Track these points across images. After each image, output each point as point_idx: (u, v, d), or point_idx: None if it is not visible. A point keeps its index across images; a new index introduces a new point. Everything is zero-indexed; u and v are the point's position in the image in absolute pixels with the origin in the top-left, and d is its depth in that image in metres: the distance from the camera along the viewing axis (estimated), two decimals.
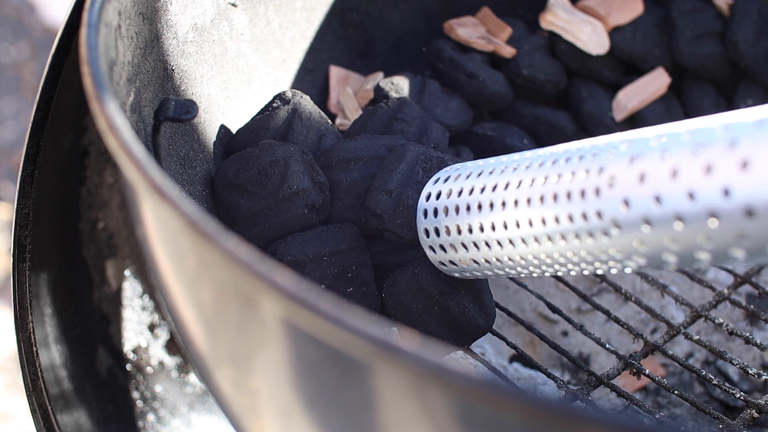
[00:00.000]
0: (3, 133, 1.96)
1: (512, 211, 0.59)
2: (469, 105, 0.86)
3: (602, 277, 0.78)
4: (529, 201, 0.58)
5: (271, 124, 0.76)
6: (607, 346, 0.71)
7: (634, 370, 0.70)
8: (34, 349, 0.75)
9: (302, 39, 0.87)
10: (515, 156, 0.62)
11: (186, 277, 0.51)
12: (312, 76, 0.87)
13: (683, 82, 0.91)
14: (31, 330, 0.75)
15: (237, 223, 0.72)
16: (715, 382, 0.68)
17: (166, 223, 0.49)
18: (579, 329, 0.73)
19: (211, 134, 0.76)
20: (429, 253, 0.67)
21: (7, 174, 1.86)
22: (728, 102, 0.91)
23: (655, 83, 0.88)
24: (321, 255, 0.69)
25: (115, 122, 0.47)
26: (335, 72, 0.88)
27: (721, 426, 0.66)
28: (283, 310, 0.42)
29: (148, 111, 0.63)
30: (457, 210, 0.64)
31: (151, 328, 0.89)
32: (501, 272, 0.64)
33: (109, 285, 0.86)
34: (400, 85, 0.83)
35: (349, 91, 0.85)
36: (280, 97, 0.78)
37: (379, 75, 0.87)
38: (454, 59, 0.86)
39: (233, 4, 0.79)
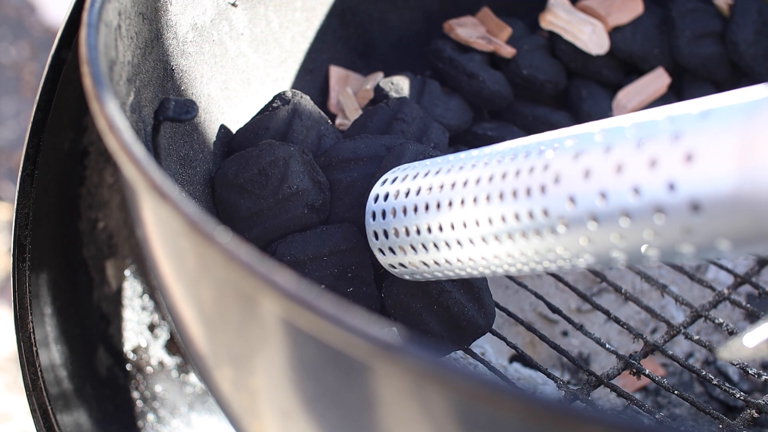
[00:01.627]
0: (3, 133, 1.96)
1: (459, 211, 0.58)
2: (469, 105, 0.86)
3: (602, 277, 0.78)
4: (475, 200, 0.57)
5: (271, 124, 0.76)
6: (607, 346, 0.71)
7: (634, 370, 0.70)
8: (34, 349, 0.75)
9: (302, 39, 0.87)
10: (462, 154, 0.61)
11: (186, 277, 0.51)
12: (312, 76, 0.87)
13: (683, 82, 0.91)
14: (31, 330, 0.75)
15: (237, 223, 0.72)
16: (715, 382, 0.68)
17: (166, 223, 0.49)
18: (579, 329, 0.73)
19: (211, 134, 0.76)
20: (379, 256, 0.66)
21: (7, 174, 1.86)
22: None
23: (655, 83, 0.88)
24: (321, 255, 0.69)
25: (115, 122, 0.47)
26: (335, 72, 0.88)
27: (721, 426, 0.66)
28: (283, 310, 0.42)
29: (148, 111, 0.63)
30: (404, 211, 0.62)
31: (151, 328, 0.89)
32: (451, 273, 0.62)
33: (109, 285, 0.86)
34: (400, 85, 0.83)
35: (349, 91, 0.85)
36: (280, 97, 0.78)
37: (379, 75, 0.87)
38: (454, 59, 0.86)
39: (233, 4, 0.79)
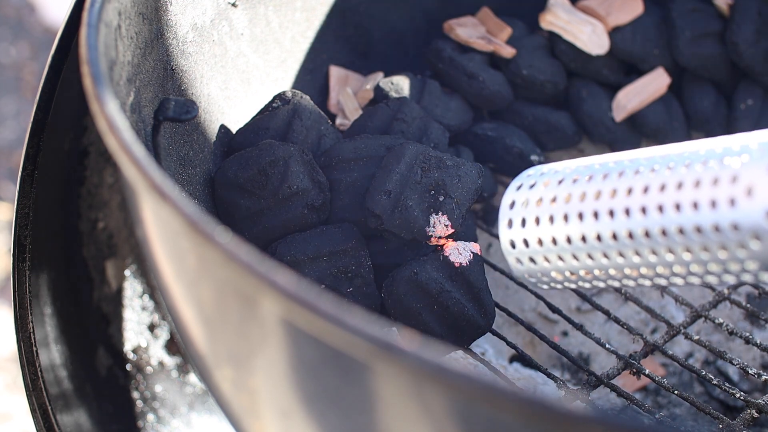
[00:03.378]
0: (3, 133, 1.96)
1: (624, 221, 0.54)
2: (469, 105, 0.86)
3: None
4: (644, 210, 0.54)
5: (271, 124, 0.76)
6: (607, 346, 0.71)
7: (634, 370, 0.70)
8: (34, 349, 0.75)
9: (302, 39, 0.87)
10: (614, 159, 0.57)
11: (186, 277, 0.51)
12: (312, 76, 0.87)
13: (683, 82, 0.91)
14: (31, 330, 0.75)
15: (237, 223, 0.72)
16: (715, 382, 0.68)
17: (166, 223, 0.49)
18: (579, 329, 0.72)
19: (211, 134, 0.76)
20: (514, 265, 0.62)
21: (7, 174, 1.86)
22: (728, 102, 0.91)
23: (655, 83, 0.88)
24: (321, 255, 0.69)
25: (115, 122, 0.47)
26: (335, 72, 0.88)
27: (721, 426, 0.66)
28: (283, 309, 0.42)
29: (148, 111, 0.63)
30: (551, 219, 0.58)
31: (151, 328, 0.89)
32: (615, 283, 0.59)
33: (109, 285, 0.86)
34: (400, 85, 0.83)
35: (349, 91, 0.85)
36: (280, 97, 0.78)
37: (379, 75, 0.87)
38: (454, 59, 0.86)
39: (233, 4, 0.79)
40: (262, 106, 0.79)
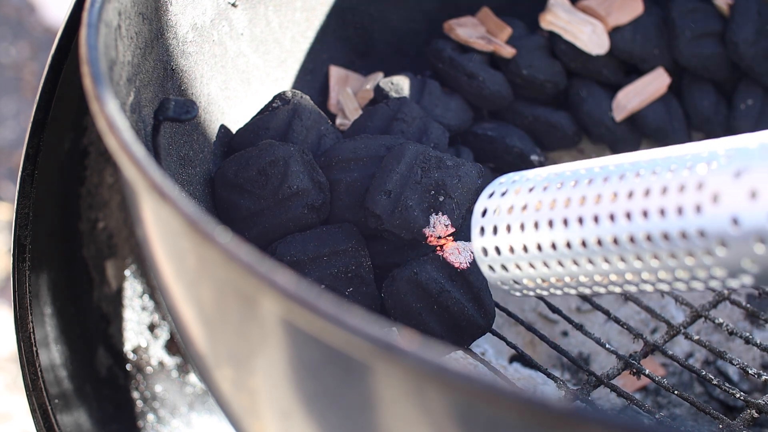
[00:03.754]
0: (3, 133, 1.96)
1: (593, 228, 0.55)
2: (469, 105, 0.86)
3: None
4: (612, 217, 0.54)
5: (271, 124, 0.76)
6: (607, 346, 0.71)
7: (634, 370, 0.70)
8: (34, 349, 0.75)
9: (302, 39, 0.87)
10: (585, 166, 0.58)
11: (186, 277, 0.51)
12: (312, 76, 0.87)
13: (683, 82, 0.91)
14: (31, 330, 0.75)
15: (237, 223, 0.72)
16: (715, 382, 0.68)
17: (166, 223, 0.49)
18: (579, 329, 0.72)
19: (211, 134, 0.76)
20: (487, 272, 0.63)
21: (7, 174, 1.86)
22: (728, 102, 0.91)
23: (655, 83, 0.88)
24: (321, 255, 0.69)
25: (115, 122, 0.47)
26: (335, 72, 0.88)
27: (721, 426, 0.66)
28: (283, 310, 0.42)
29: (148, 111, 0.63)
30: (522, 227, 0.59)
31: (151, 328, 0.89)
32: (587, 290, 0.59)
33: (109, 285, 0.86)
34: (400, 85, 0.83)
35: (349, 91, 0.85)
36: (280, 97, 0.78)
37: (379, 75, 0.87)
38: (454, 59, 0.86)
39: (233, 4, 0.79)
40: (262, 106, 0.79)
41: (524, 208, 0.59)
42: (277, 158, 0.71)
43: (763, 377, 0.69)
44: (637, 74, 0.90)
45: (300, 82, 0.86)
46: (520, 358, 0.87)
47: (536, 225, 0.58)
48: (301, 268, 0.69)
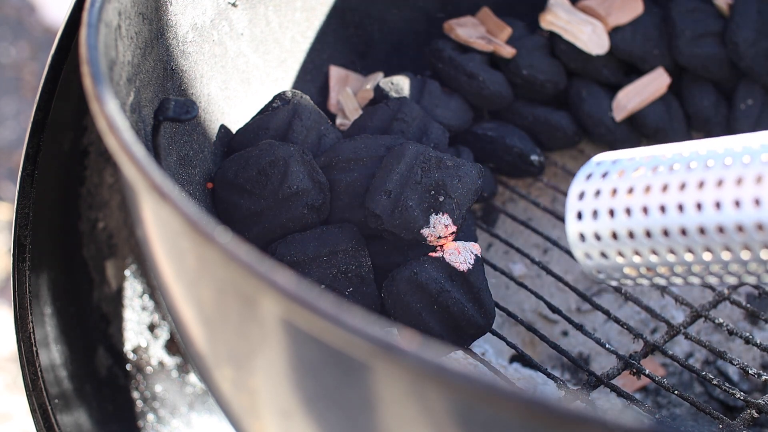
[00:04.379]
0: (3, 133, 1.96)
1: (715, 214, 0.51)
2: (469, 105, 0.86)
3: None
4: (737, 203, 0.50)
5: (271, 124, 0.76)
6: (607, 346, 0.71)
7: (634, 370, 0.70)
8: (34, 349, 0.75)
9: (302, 39, 0.87)
10: (703, 146, 0.54)
11: (186, 277, 0.51)
12: (312, 76, 0.87)
13: (683, 82, 0.91)
14: (31, 330, 0.75)
15: (237, 223, 0.72)
16: (715, 382, 0.68)
17: (166, 223, 0.49)
18: (579, 329, 0.72)
19: (211, 134, 0.76)
20: (582, 259, 0.59)
21: (7, 174, 1.86)
22: (728, 102, 0.91)
23: (655, 83, 0.88)
24: (321, 255, 0.69)
25: (115, 122, 0.47)
26: (335, 72, 0.88)
27: (721, 426, 0.66)
28: (283, 310, 0.42)
29: (148, 111, 0.63)
30: (628, 212, 0.55)
31: (151, 328, 0.89)
32: (695, 279, 0.56)
33: (109, 285, 0.86)
34: (400, 85, 0.83)
35: (349, 91, 0.85)
36: (280, 97, 0.78)
37: (379, 75, 0.87)
38: (454, 59, 0.86)
39: (233, 4, 0.79)
40: (262, 106, 0.79)
41: (630, 191, 0.56)
42: (277, 158, 0.71)
43: (763, 377, 0.69)
44: (637, 74, 0.90)
45: (300, 82, 0.86)
46: (520, 358, 0.87)
47: (645, 210, 0.54)
48: (301, 268, 0.69)
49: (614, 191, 0.57)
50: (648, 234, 0.55)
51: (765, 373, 0.70)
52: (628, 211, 0.55)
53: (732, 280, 0.54)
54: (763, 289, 0.78)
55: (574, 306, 0.90)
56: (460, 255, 0.69)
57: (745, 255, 0.52)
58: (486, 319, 0.69)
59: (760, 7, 0.88)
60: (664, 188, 0.54)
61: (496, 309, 0.72)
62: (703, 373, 0.69)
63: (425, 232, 0.69)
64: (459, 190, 0.70)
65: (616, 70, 0.90)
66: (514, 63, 0.87)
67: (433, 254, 0.69)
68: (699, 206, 0.52)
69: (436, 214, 0.69)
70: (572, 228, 0.59)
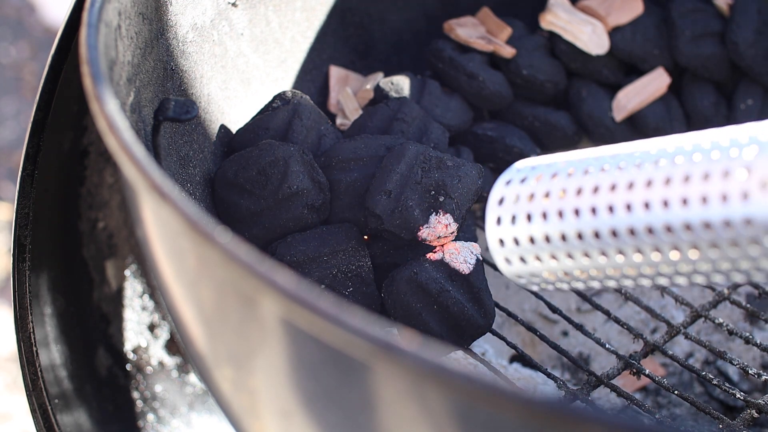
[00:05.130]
0: (3, 133, 1.96)
1: (626, 217, 0.52)
2: (469, 105, 0.86)
3: None
4: (647, 205, 0.51)
5: (271, 124, 0.76)
6: (607, 346, 0.71)
7: (634, 370, 0.70)
8: (34, 349, 0.75)
9: (302, 39, 0.87)
10: (612, 151, 0.55)
11: (186, 277, 0.51)
12: (312, 76, 0.87)
13: (683, 82, 0.91)
14: (31, 330, 0.75)
15: (237, 223, 0.72)
16: (715, 382, 0.68)
17: (166, 223, 0.49)
18: (579, 329, 0.72)
19: (210, 134, 0.76)
20: (503, 265, 0.60)
21: (7, 174, 1.86)
22: (728, 102, 0.91)
23: (655, 83, 0.88)
24: (321, 255, 0.69)
25: (115, 122, 0.47)
26: (335, 72, 0.88)
27: (721, 426, 0.66)
28: (283, 310, 0.42)
29: (148, 111, 0.63)
30: (544, 216, 0.56)
31: (151, 328, 0.89)
32: (612, 282, 0.56)
33: (109, 285, 0.86)
34: (400, 85, 0.83)
35: (349, 91, 0.85)
36: (280, 97, 0.78)
37: (379, 75, 0.87)
38: (454, 59, 0.86)
39: (233, 4, 0.79)
40: (262, 106, 0.79)
41: (546, 195, 0.56)
42: (277, 158, 0.71)
43: (763, 377, 0.69)
44: (637, 74, 0.90)
45: (300, 82, 0.86)
46: (520, 358, 0.87)
47: (560, 214, 0.55)
48: (301, 268, 0.69)
49: (532, 196, 0.57)
50: (563, 237, 0.55)
51: (765, 373, 0.70)
52: (544, 215, 0.56)
53: (646, 282, 0.55)
54: (763, 289, 0.78)
55: (574, 306, 0.90)
56: (460, 255, 0.69)
57: (655, 257, 0.52)
58: (486, 319, 0.69)
59: (760, 7, 0.88)
60: (578, 192, 0.55)
61: (496, 309, 0.72)
62: (703, 373, 0.69)
63: (425, 232, 0.69)
64: (459, 190, 0.70)
65: (616, 70, 0.90)
66: (514, 63, 0.87)
67: (433, 254, 0.69)
68: (611, 209, 0.53)
69: (436, 214, 0.69)
70: (491, 233, 0.59)
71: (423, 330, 0.68)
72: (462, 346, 0.70)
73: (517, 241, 0.58)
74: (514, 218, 0.57)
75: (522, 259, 0.58)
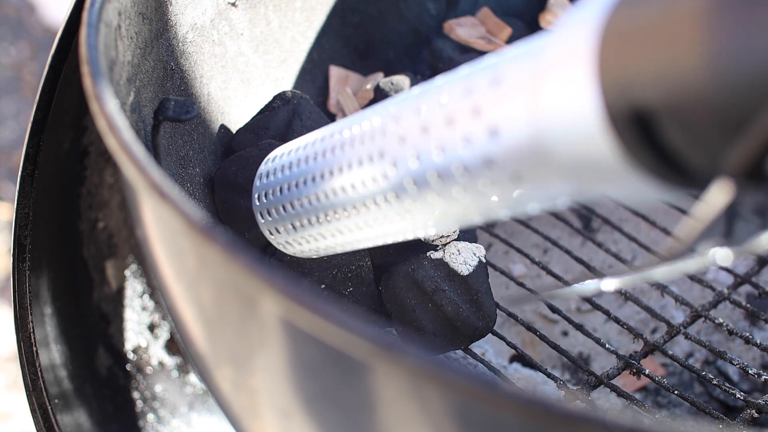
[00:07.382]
0: (3, 133, 1.96)
1: (338, 178, 0.57)
2: None
3: (602, 276, 0.78)
4: (350, 165, 0.56)
5: (271, 124, 0.76)
6: (607, 346, 0.71)
7: (634, 370, 0.70)
8: (34, 349, 0.75)
9: (302, 39, 0.87)
10: (340, 122, 0.60)
11: (186, 277, 0.51)
12: (312, 76, 0.87)
13: None
14: (31, 330, 0.75)
15: (237, 223, 0.72)
16: (715, 382, 0.68)
17: (166, 223, 0.49)
18: (579, 329, 0.72)
19: (211, 134, 0.76)
20: (269, 237, 0.66)
21: (7, 174, 1.86)
22: None
23: None
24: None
25: (115, 122, 0.47)
26: (335, 72, 0.88)
27: (721, 426, 0.66)
28: (283, 310, 0.42)
29: (148, 111, 0.63)
30: (288, 187, 0.62)
31: (151, 328, 0.89)
32: (348, 246, 0.62)
33: (109, 285, 0.86)
34: (400, 85, 0.83)
35: (349, 91, 0.85)
36: (280, 97, 0.78)
37: (379, 75, 0.87)
38: (454, 59, 0.86)
39: (233, 4, 0.79)
40: (262, 106, 0.79)
41: (289, 166, 0.62)
42: None
43: (763, 377, 0.69)
44: None
45: (300, 82, 0.86)
46: (520, 358, 0.87)
47: (284, 189, 0.62)
48: (301, 269, 0.69)
49: (272, 172, 0.64)
50: (309, 202, 0.61)
51: (765, 373, 0.70)
52: (288, 187, 0.62)
53: (388, 239, 0.59)
54: (763, 289, 0.78)
55: (574, 306, 0.90)
56: (461, 256, 0.69)
57: (366, 213, 0.57)
58: (485, 322, 0.69)
59: None
60: (315, 157, 0.60)
61: (496, 309, 0.71)
62: (703, 373, 0.69)
63: None
64: None
65: None
66: None
67: (434, 253, 0.69)
68: (341, 169, 0.57)
69: None
70: (255, 208, 0.66)
71: (416, 327, 0.68)
72: (458, 347, 0.70)
73: (269, 214, 0.64)
74: (265, 193, 0.64)
75: (277, 230, 0.65)
